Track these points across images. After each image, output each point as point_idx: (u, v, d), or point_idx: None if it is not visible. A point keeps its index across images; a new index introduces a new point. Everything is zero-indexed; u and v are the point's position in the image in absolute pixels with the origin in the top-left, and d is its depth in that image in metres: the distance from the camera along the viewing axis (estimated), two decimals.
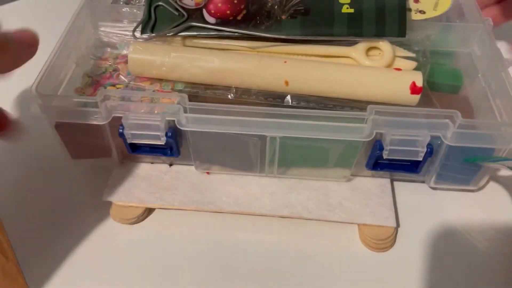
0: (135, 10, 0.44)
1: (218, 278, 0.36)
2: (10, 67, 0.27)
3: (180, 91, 0.39)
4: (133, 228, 0.39)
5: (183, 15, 0.40)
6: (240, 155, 0.39)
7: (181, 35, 0.41)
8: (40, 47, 0.27)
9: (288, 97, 0.39)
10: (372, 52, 0.41)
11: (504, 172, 0.42)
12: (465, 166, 0.37)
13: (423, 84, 0.37)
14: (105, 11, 0.45)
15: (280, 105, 0.39)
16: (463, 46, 0.45)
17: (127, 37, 0.43)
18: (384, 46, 0.40)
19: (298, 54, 0.41)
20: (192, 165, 0.41)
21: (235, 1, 0.40)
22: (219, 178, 0.41)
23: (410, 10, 0.46)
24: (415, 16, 0.46)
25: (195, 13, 0.40)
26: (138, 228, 0.39)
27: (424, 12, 0.46)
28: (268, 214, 0.39)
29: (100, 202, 0.40)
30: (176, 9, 0.40)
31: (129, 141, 0.37)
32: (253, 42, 0.41)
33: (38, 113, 0.36)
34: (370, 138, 0.35)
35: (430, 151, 0.36)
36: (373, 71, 0.38)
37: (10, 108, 0.48)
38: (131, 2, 0.47)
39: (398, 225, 0.39)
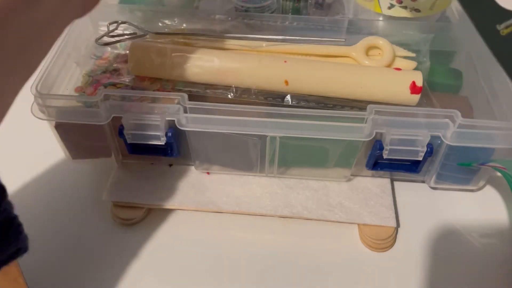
0: (135, 11, 0.44)
1: (218, 277, 0.36)
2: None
3: (180, 90, 0.39)
4: (133, 228, 0.39)
5: None
6: (240, 155, 0.39)
7: (181, 35, 0.42)
8: None
9: (288, 97, 0.39)
10: (372, 52, 0.41)
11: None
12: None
13: (423, 84, 0.37)
14: (105, 11, 0.45)
15: (280, 104, 0.39)
16: (463, 46, 0.45)
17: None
18: (384, 45, 0.40)
19: (298, 54, 0.41)
20: (192, 165, 0.41)
21: None
22: (219, 178, 0.41)
23: (405, 8, 0.46)
24: (409, 14, 0.46)
25: None
26: (138, 228, 0.39)
27: (419, 11, 0.46)
28: (268, 214, 0.39)
29: (100, 202, 0.40)
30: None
31: (129, 141, 0.37)
32: (253, 42, 0.41)
33: (38, 113, 0.36)
34: (370, 138, 0.35)
35: (430, 150, 0.36)
36: (373, 71, 0.38)
37: (10, 108, 0.48)
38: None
39: (398, 225, 0.39)
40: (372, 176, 0.41)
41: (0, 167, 0.44)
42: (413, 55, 0.41)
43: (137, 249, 0.38)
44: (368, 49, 0.41)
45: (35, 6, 0.20)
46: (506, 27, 0.25)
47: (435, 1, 0.47)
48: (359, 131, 0.35)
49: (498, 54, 0.25)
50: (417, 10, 0.46)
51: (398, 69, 0.39)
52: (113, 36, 0.42)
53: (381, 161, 0.38)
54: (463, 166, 0.37)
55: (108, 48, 0.43)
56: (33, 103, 0.36)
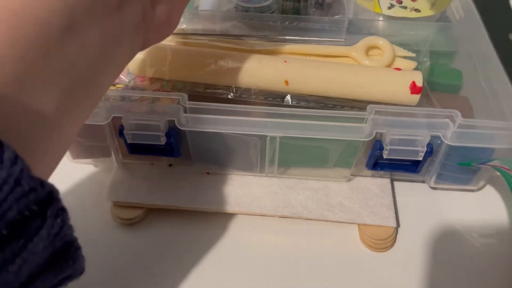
0: None
1: (218, 278, 0.36)
2: None
3: (180, 90, 0.39)
4: (133, 228, 0.39)
5: None
6: (240, 155, 0.39)
7: (181, 35, 0.42)
8: None
9: (288, 97, 0.39)
10: (372, 52, 0.41)
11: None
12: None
13: (423, 84, 0.37)
14: None
15: (280, 104, 0.39)
16: (463, 46, 0.45)
17: None
18: (384, 45, 0.40)
19: (298, 54, 0.41)
20: (192, 165, 0.41)
21: None
22: (219, 178, 0.41)
23: (405, 8, 0.46)
24: (409, 14, 0.46)
25: None
26: (138, 228, 0.39)
27: (419, 11, 0.46)
28: (268, 214, 0.39)
29: (100, 202, 0.40)
30: None
31: (129, 141, 0.37)
32: (253, 42, 0.41)
33: None
34: (370, 138, 0.35)
35: (430, 150, 0.36)
36: (373, 71, 0.38)
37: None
38: None
39: (398, 225, 0.38)
40: (372, 176, 0.41)
41: None
42: (413, 55, 0.41)
43: (137, 249, 0.38)
44: (368, 49, 0.41)
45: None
46: None
47: (435, 1, 0.47)
48: (359, 131, 0.35)
49: (507, 61, 0.25)
50: (417, 10, 0.46)
51: (398, 69, 0.39)
52: None
53: (381, 161, 0.38)
54: (463, 166, 0.37)
55: None
56: None
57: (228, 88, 0.39)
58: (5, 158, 0.15)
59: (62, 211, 0.17)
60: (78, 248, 0.19)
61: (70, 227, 0.18)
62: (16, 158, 0.15)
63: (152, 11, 0.25)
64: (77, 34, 0.19)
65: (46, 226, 0.17)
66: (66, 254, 0.19)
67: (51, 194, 0.17)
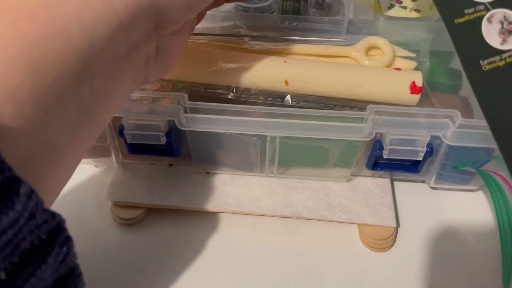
0: None
1: (218, 277, 0.36)
2: None
3: (180, 90, 0.39)
4: (133, 228, 0.39)
5: None
6: (240, 155, 0.39)
7: None
8: None
9: (288, 97, 0.39)
10: (372, 52, 0.41)
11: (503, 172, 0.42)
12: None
13: (423, 84, 0.37)
14: None
15: (280, 104, 0.39)
16: None
17: None
18: (384, 45, 0.40)
19: (298, 54, 0.41)
20: (192, 165, 0.41)
21: None
22: (219, 178, 0.41)
23: (405, 8, 0.46)
24: (409, 14, 0.46)
25: None
26: (138, 228, 0.39)
27: (419, 11, 0.46)
28: (268, 214, 0.39)
29: (100, 202, 0.40)
30: None
31: (129, 141, 0.37)
32: (253, 42, 0.41)
33: None
34: (370, 138, 0.35)
35: (430, 150, 0.36)
36: (373, 71, 0.38)
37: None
38: None
39: (398, 225, 0.39)
40: (372, 176, 0.41)
41: None
42: (413, 55, 0.41)
43: (137, 249, 0.38)
44: (368, 49, 0.41)
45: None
46: (489, 64, 0.26)
47: None
48: (359, 131, 0.35)
49: (477, 88, 0.26)
50: (417, 10, 0.46)
51: (398, 69, 0.39)
52: None
53: (381, 161, 0.38)
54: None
55: None
56: None
57: (228, 88, 0.39)
58: (21, 193, 0.16)
59: (68, 240, 0.19)
60: (80, 274, 0.21)
61: (74, 254, 0.20)
62: (31, 193, 0.16)
63: (155, 56, 0.27)
64: (88, 79, 0.21)
65: (54, 254, 0.18)
66: (69, 280, 0.20)
67: (60, 224, 0.18)
